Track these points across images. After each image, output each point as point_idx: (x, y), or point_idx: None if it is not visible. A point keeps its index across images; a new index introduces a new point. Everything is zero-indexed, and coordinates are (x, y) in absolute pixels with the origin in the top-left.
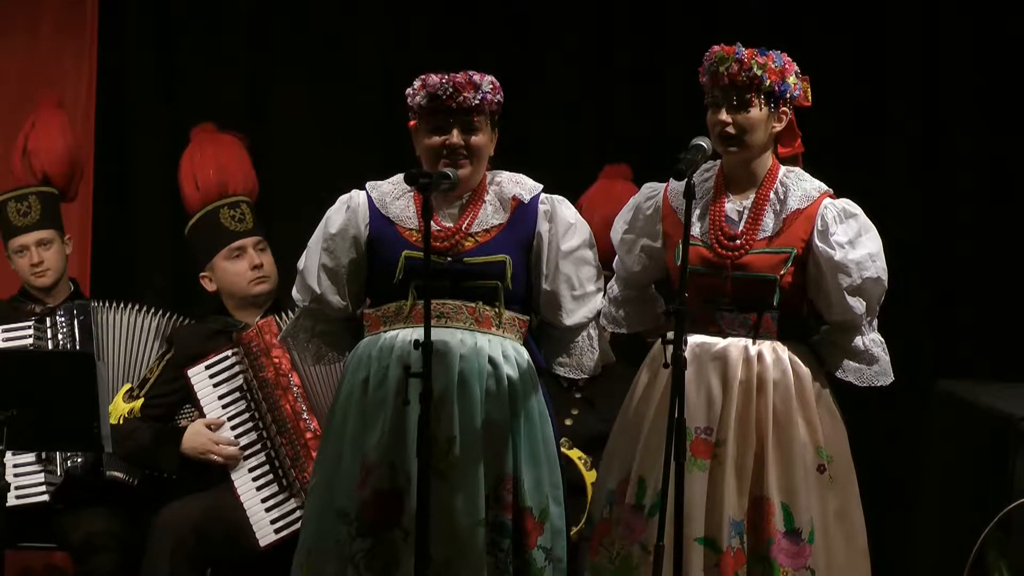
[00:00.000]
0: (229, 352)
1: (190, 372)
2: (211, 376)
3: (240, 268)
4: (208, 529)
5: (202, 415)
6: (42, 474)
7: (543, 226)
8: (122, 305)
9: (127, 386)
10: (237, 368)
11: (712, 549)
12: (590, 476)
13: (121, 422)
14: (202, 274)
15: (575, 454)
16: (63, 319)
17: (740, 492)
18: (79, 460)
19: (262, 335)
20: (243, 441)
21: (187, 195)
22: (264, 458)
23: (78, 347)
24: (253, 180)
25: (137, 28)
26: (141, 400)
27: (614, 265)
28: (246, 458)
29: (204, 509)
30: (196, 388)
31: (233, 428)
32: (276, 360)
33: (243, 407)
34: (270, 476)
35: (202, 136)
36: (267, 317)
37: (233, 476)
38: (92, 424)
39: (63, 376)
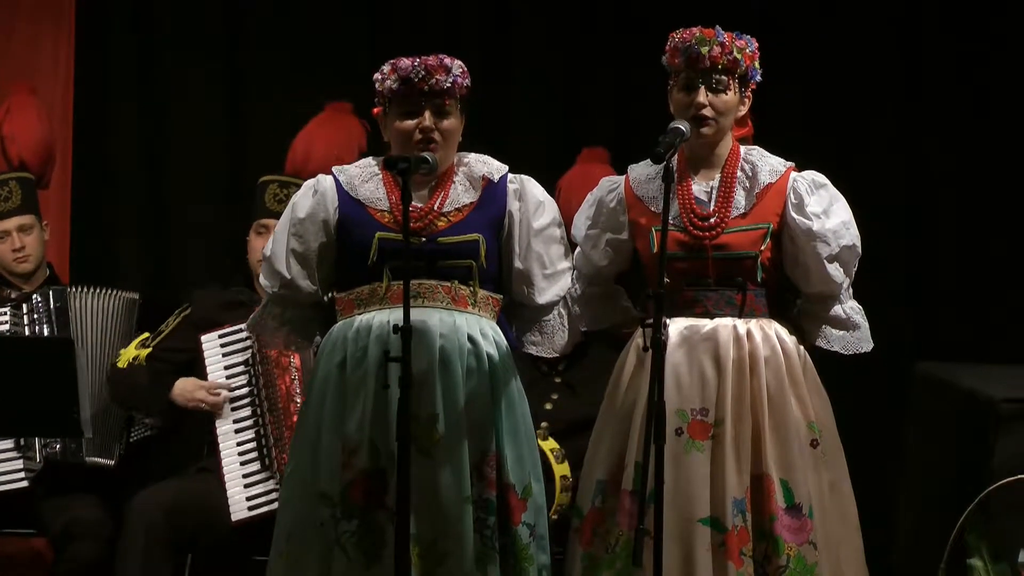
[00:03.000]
0: (244, 325)
1: (204, 338)
2: (222, 345)
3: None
4: (181, 514)
5: (204, 378)
6: (21, 460)
7: (513, 205)
8: (97, 290)
9: (144, 335)
10: (248, 342)
11: (717, 529)
12: (560, 469)
13: (125, 366)
14: None
15: (548, 445)
16: (39, 304)
17: (740, 470)
18: (57, 446)
19: None
20: (238, 414)
21: None
22: (253, 435)
23: (55, 332)
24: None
25: (115, 18)
26: (150, 350)
27: (575, 263)
28: (237, 432)
29: (177, 494)
30: (206, 354)
31: (232, 400)
32: None
33: (245, 381)
34: (255, 454)
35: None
36: None
37: (221, 446)
38: (72, 410)
39: (43, 361)
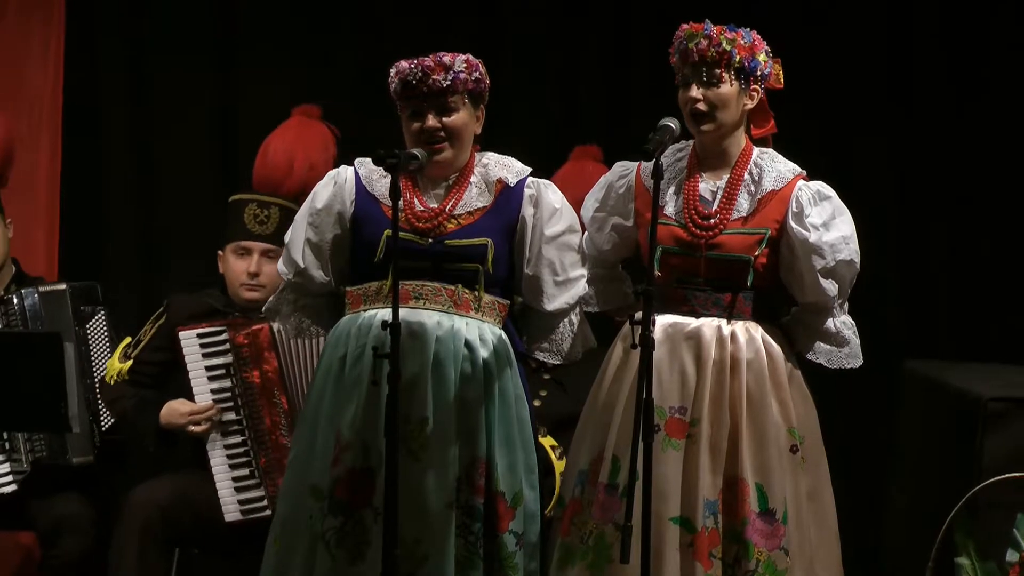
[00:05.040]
0: (223, 326)
1: (182, 335)
2: (202, 345)
3: None
4: (176, 511)
5: (187, 381)
6: (8, 464)
7: (527, 210)
8: (43, 287)
9: (127, 340)
10: (228, 345)
11: (687, 529)
12: (560, 465)
13: (112, 383)
14: None
15: (547, 442)
16: (16, 302)
17: (714, 472)
18: (44, 451)
19: (256, 341)
20: (224, 417)
21: None
22: (240, 439)
23: (30, 329)
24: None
25: (105, 14)
26: (131, 363)
27: (583, 243)
28: (224, 435)
29: (172, 491)
30: (185, 352)
31: (216, 403)
32: (266, 368)
33: (228, 384)
34: (244, 459)
35: None
36: (263, 324)
37: (209, 450)
38: (60, 405)
39: (31, 356)
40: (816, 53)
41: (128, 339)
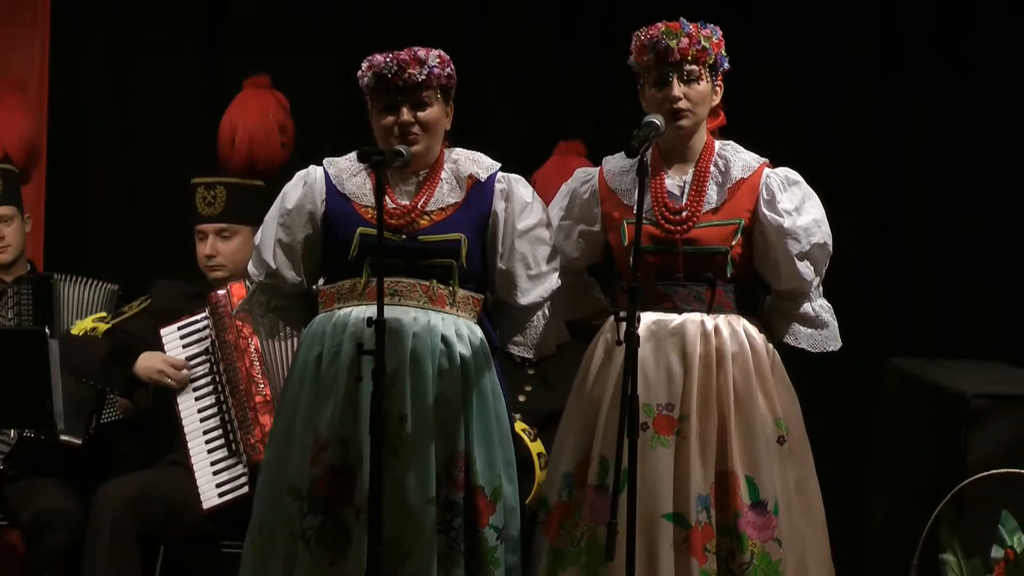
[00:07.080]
0: (201, 315)
1: (164, 332)
2: (182, 337)
3: None
4: (146, 505)
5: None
6: None
7: (499, 205)
8: (83, 279)
9: (102, 314)
10: (207, 331)
11: (681, 525)
12: (535, 447)
13: (81, 334)
14: None
15: (519, 426)
16: (20, 295)
17: (705, 466)
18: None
19: (231, 297)
20: (202, 403)
21: None
22: (219, 422)
23: (38, 322)
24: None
25: (91, 12)
26: (108, 326)
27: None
28: (203, 420)
29: (141, 485)
30: (167, 347)
31: (195, 390)
32: (239, 323)
33: (207, 369)
34: (221, 440)
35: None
36: (239, 281)
37: (187, 434)
38: (44, 401)
39: (15, 353)
40: (804, 43)
41: (104, 313)
